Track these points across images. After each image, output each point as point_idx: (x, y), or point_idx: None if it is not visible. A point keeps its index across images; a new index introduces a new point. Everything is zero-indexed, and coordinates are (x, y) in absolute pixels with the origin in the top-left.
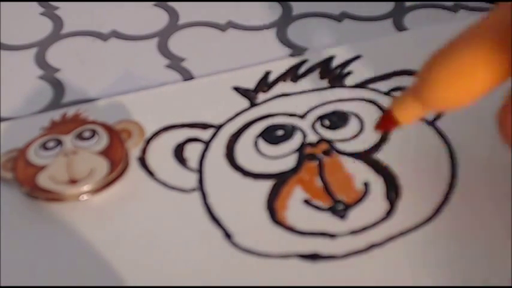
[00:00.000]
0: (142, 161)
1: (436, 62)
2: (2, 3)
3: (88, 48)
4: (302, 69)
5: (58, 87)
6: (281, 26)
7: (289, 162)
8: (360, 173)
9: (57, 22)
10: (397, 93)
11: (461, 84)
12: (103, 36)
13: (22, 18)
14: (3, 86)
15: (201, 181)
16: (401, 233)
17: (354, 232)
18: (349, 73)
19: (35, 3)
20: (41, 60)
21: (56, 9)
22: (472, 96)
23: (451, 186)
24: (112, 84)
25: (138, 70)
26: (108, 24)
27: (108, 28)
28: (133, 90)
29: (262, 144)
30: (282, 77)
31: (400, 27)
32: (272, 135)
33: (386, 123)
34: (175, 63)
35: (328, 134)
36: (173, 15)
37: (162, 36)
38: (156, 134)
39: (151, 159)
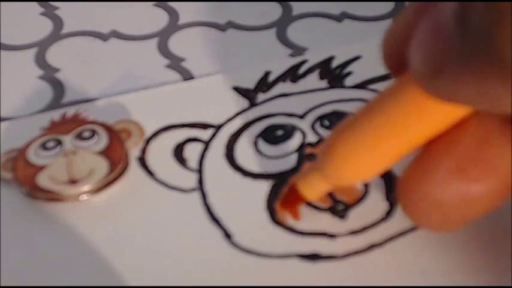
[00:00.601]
0: (142, 161)
1: (337, 134)
2: (2, 3)
3: (88, 48)
4: (302, 70)
5: (58, 87)
6: (281, 26)
7: (289, 162)
8: None
9: (57, 22)
10: None
11: (364, 159)
12: (103, 36)
13: (22, 18)
14: (3, 86)
15: (200, 181)
16: (401, 234)
17: (353, 232)
18: (349, 73)
19: (35, 3)
20: (41, 60)
21: (56, 9)
22: (377, 170)
23: None
24: (112, 84)
25: (138, 70)
26: (108, 24)
27: (108, 28)
28: (133, 90)
29: (262, 144)
30: (281, 77)
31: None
32: (272, 135)
33: (292, 199)
34: (175, 63)
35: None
36: (173, 15)
37: (162, 36)
38: (156, 134)
39: (151, 159)
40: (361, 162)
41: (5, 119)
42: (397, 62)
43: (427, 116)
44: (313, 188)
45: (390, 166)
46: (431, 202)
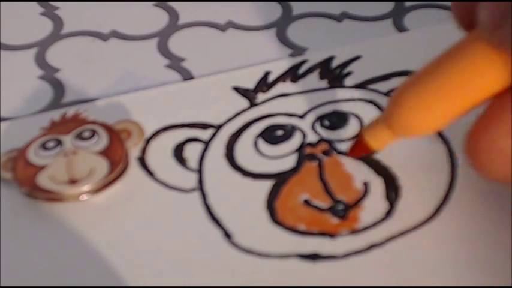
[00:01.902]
0: (142, 161)
1: (406, 87)
2: (2, 3)
3: (88, 48)
4: (302, 70)
5: (58, 87)
6: (281, 26)
7: (289, 162)
8: (359, 173)
9: (57, 22)
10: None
11: (432, 111)
12: (103, 36)
13: (22, 18)
14: (3, 86)
15: (200, 181)
16: (401, 233)
17: (353, 232)
18: (349, 73)
19: (35, 3)
20: (41, 60)
21: (56, 9)
22: (444, 122)
23: (450, 186)
24: (112, 84)
25: (138, 70)
26: (108, 24)
27: (108, 28)
28: (133, 90)
29: (262, 144)
30: (281, 77)
31: (400, 27)
32: (272, 135)
33: (359, 149)
34: (175, 63)
35: (328, 134)
36: (173, 15)
37: (162, 36)
38: (156, 134)
39: (151, 159)
40: (428, 114)
41: (5, 119)
42: (466, 18)
43: (493, 68)
44: (379, 138)
45: (455, 119)
46: (497, 151)
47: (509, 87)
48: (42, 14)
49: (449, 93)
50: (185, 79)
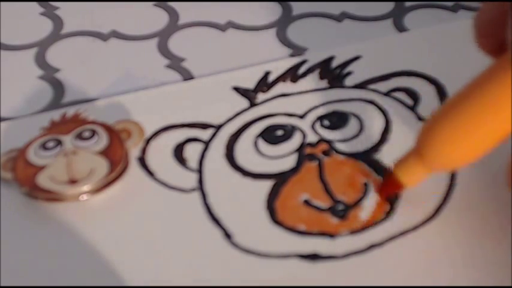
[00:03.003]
0: (142, 161)
1: (437, 118)
2: (2, 3)
3: (88, 48)
4: (302, 70)
5: (58, 87)
6: (281, 26)
7: (289, 162)
8: (360, 173)
9: (57, 22)
10: (396, 94)
11: (466, 143)
12: (103, 36)
13: (22, 18)
14: (3, 86)
15: (200, 181)
16: (401, 233)
17: (353, 232)
18: (349, 73)
19: (35, 3)
20: (41, 60)
21: (56, 9)
22: (480, 153)
23: (450, 186)
24: (112, 84)
25: (138, 70)
26: (108, 24)
27: (108, 28)
28: (133, 90)
29: (262, 144)
30: (281, 77)
31: (400, 27)
32: (272, 135)
33: (390, 187)
34: (175, 63)
35: (328, 134)
36: (173, 15)
37: (162, 36)
38: (156, 134)
39: (151, 159)
40: (463, 146)
41: (5, 119)
42: (491, 42)
43: None
44: (412, 174)
45: (491, 149)
46: None
47: None
48: (42, 14)
49: (481, 124)
50: (185, 79)
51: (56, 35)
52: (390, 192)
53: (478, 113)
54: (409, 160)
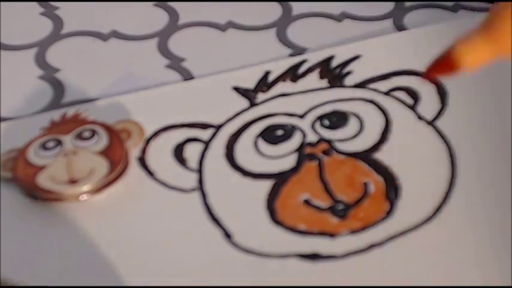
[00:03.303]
0: (142, 161)
1: None
2: (2, 3)
3: (88, 48)
4: (302, 69)
5: (58, 87)
6: (281, 26)
7: (289, 162)
8: (359, 173)
9: (57, 22)
10: (396, 94)
11: None
12: (103, 36)
13: (22, 18)
14: (3, 86)
15: (200, 181)
16: (401, 233)
17: (353, 232)
18: (348, 73)
19: (35, 3)
20: (41, 60)
21: (56, 9)
22: None
23: (450, 186)
24: (112, 84)
25: (138, 70)
26: (108, 24)
27: (108, 28)
28: (134, 90)
29: (262, 144)
30: (281, 77)
31: (400, 27)
32: (272, 135)
33: (443, 67)
34: (175, 63)
35: (328, 134)
36: (173, 15)
37: (162, 36)
38: (156, 134)
39: (151, 159)
40: None
41: (5, 119)
42: None
43: None
44: (477, 53)
45: None
46: None
47: None
48: (42, 14)
49: None
50: (185, 79)
51: (56, 35)
52: (442, 72)
53: None
54: (473, 39)
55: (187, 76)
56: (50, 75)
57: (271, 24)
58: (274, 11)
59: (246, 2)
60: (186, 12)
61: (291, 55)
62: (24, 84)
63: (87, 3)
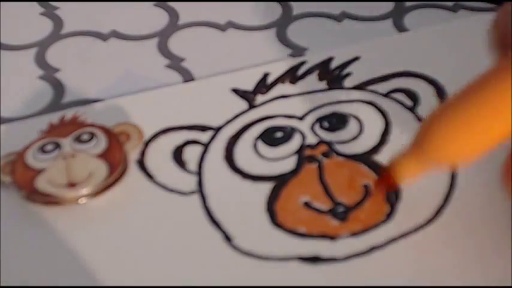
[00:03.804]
0: (141, 164)
1: (437, 115)
2: (2, 3)
3: (88, 48)
4: (301, 71)
5: (58, 87)
6: (281, 26)
7: (289, 164)
8: (360, 175)
9: (57, 22)
10: (396, 95)
11: (464, 139)
12: (103, 36)
13: (22, 18)
14: (3, 86)
15: (200, 184)
16: (402, 235)
17: (354, 234)
18: (348, 74)
19: (35, 3)
20: (41, 60)
21: (56, 9)
22: (477, 151)
23: (451, 187)
24: (112, 84)
25: (138, 70)
26: (108, 24)
27: (108, 28)
28: (134, 90)
29: (262, 146)
30: (280, 79)
31: (400, 27)
32: (271, 137)
33: (387, 182)
34: (175, 63)
35: (328, 136)
36: (173, 15)
37: (162, 36)
38: (155, 136)
39: (150, 162)
40: (460, 141)
41: (4, 119)
42: (503, 45)
43: None
44: (408, 170)
45: (490, 148)
46: None
47: None
48: (42, 14)
49: (480, 122)
50: (185, 79)
51: (56, 35)
52: (386, 187)
53: (478, 110)
54: (406, 155)
55: (187, 76)
56: (50, 75)
57: (271, 24)
58: (274, 11)
59: (246, 2)
60: (186, 12)
61: (291, 55)
62: (24, 84)
63: (87, 3)
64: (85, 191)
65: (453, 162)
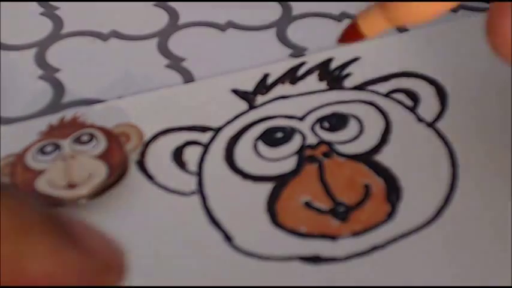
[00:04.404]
0: (141, 165)
1: None
2: (2, 3)
3: (88, 48)
4: (301, 71)
5: (58, 87)
6: (281, 26)
7: (289, 164)
8: (360, 175)
9: (57, 22)
10: (396, 95)
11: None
12: (103, 36)
13: (22, 18)
14: (3, 86)
15: (200, 184)
16: (403, 235)
17: (355, 234)
18: (348, 75)
19: (35, 3)
20: (41, 60)
21: (56, 9)
22: (439, 9)
23: (451, 187)
24: (112, 84)
25: (138, 70)
26: (108, 24)
27: (108, 28)
28: (134, 91)
29: (262, 147)
30: (280, 79)
31: (400, 27)
32: (271, 138)
33: (351, 35)
34: (175, 63)
35: (328, 136)
36: (173, 15)
37: (162, 36)
38: (155, 137)
39: (151, 163)
40: (417, 4)
41: (4, 119)
42: None
43: None
44: (373, 24)
45: (444, 10)
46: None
47: None
48: (42, 14)
49: None
50: (185, 79)
51: (56, 35)
52: (350, 39)
53: None
54: (372, 12)
55: (187, 76)
56: (50, 75)
57: (271, 24)
58: (274, 11)
59: (246, 2)
60: (186, 12)
61: (291, 55)
62: (24, 84)
63: (87, 3)
64: (85, 192)
65: (412, 20)
